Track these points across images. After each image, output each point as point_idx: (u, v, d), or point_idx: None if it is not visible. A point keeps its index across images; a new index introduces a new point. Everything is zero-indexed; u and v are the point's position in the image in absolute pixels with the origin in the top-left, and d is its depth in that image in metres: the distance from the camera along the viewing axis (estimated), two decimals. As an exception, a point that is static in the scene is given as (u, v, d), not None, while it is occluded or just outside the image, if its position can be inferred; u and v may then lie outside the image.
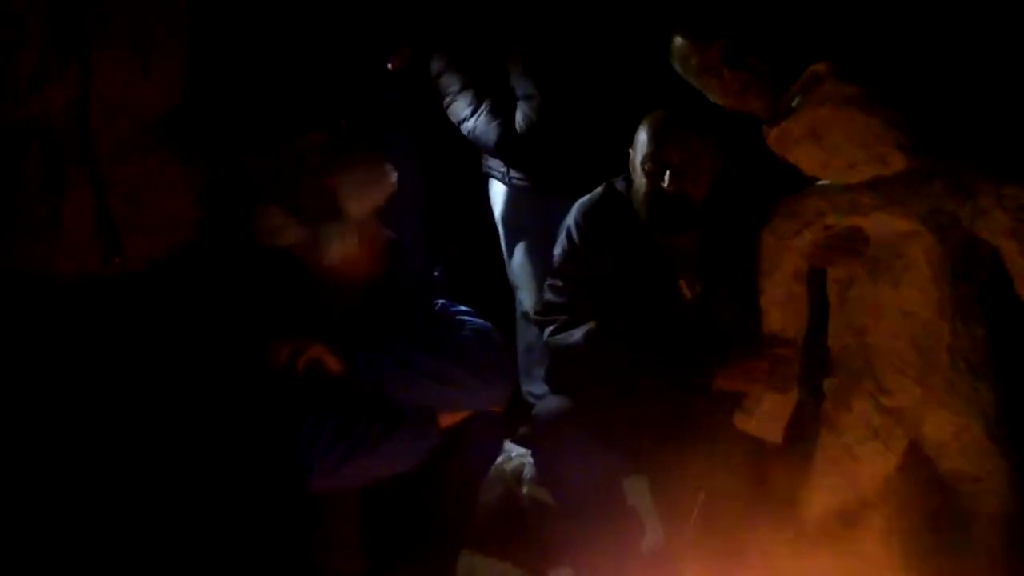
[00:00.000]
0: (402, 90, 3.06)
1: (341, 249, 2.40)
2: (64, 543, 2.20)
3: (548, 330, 2.71)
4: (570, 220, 2.75)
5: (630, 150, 2.67)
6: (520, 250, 3.21)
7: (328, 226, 2.39)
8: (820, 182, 2.47)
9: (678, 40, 2.58)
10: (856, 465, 2.50)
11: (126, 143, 2.26)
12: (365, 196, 2.42)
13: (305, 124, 2.54)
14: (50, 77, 2.19)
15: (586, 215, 2.73)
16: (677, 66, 2.60)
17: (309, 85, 2.74)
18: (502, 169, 3.18)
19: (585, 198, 2.76)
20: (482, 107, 3.12)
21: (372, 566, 2.44)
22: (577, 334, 2.64)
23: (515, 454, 3.02)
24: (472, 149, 3.25)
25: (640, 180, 2.63)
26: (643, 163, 2.61)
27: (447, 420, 2.46)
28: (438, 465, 2.46)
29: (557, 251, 2.76)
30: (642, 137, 2.63)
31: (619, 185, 2.73)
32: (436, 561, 2.54)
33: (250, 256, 2.40)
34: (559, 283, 2.72)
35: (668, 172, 2.57)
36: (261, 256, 2.40)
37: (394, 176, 2.45)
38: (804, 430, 2.57)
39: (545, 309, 2.74)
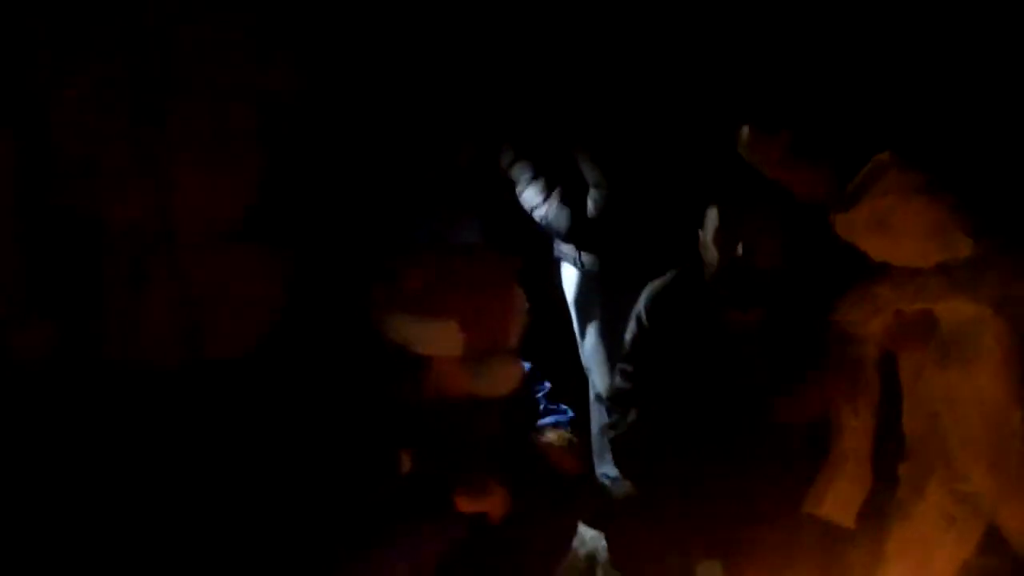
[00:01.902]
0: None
1: (503, 385, 2.37)
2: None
3: (616, 419, 2.74)
4: (640, 306, 2.79)
5: (699, 231, 2.72)
6: (591, 333, 3.25)
7: (493, 357, 2.35)
8: (889, 267, 2.48)
9: (744, 131, 2.63)
10: (930, 553, 2.48)
11: (207, 238, 2.33)
12: (519, 326, 2.41)
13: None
14: (131, 179, 2.27)
15: (655, 300, 2.77)
16: (744, 155, 2.65)
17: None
18: (574, 254, 3.23)
19: (656, 282, 2.80)
20: (553, 194, 3.18)
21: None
22: (633, 414, 2.67)
23: (589, 537, 3.01)
24: (544, 236, 3.30)
25: (712, 255, 2.66)
26: (715, 238, 2.64)
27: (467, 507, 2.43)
28: (515, 548, 2.49)
29: (628, 336, 2.79)
30: (712, 214, 2.67)
31: (689, 269, 2.77)
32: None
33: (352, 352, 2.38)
34: (629, 368, 2.75)
35: (740, 244, 2.61)
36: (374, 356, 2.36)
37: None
38: (878, 517, 2.55)
39: (616, 395, 2.77)
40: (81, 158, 2.27)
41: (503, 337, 2.36)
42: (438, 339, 2.32)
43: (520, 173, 3.25)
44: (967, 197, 2.38)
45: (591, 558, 2.97)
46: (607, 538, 2.80)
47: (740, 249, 2.61)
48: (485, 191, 3.22)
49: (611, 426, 2.77)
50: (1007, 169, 2.48)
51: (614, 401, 2.78)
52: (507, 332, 2.37)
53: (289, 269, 2.48)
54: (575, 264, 3.25)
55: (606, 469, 3.16)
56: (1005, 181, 2.45)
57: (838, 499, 2.54)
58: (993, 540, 2.50)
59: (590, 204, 3.14)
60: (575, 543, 2.94)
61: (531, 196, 3.22)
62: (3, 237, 2.28)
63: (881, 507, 2.55)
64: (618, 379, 2.77)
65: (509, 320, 2.38)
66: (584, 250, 3.21)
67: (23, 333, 2.30)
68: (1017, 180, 2.47)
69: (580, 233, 3.17)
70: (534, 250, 3.34)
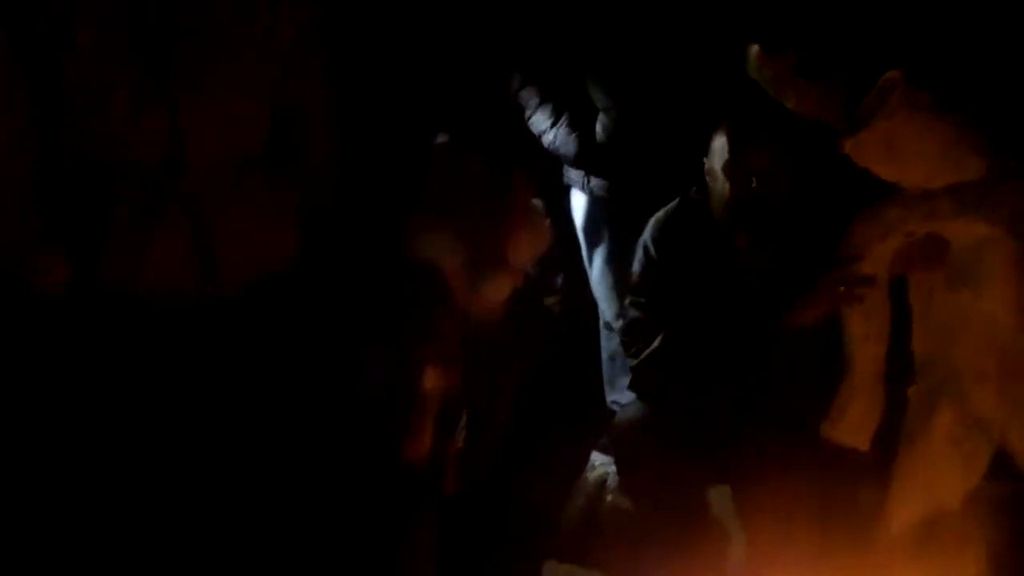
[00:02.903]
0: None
1: (494, 296, 2.39)
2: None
3: (632, 348, 2.72)
4: (646, 236, 2.76)
5: (705, 159, 2.68)
6: (599, 260, 3.23)
7: (487, 269, 2.37)
8: (899, 189, 2.45)
9: (753, 51, 2.58)
10: (938, 476, 2.47)
11: (221, 172, 2.31)
12: (529, 250, 2.43)
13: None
14: (141, 118, 2.26)
15: (662, 229, 2.74)
16: (753, 75, 2.60)
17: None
18: (582, 180, 3.21)
19: (660, 213, 2.77)
20: (561, 119, 3.15)
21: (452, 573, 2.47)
22: (656, 342, 2.65)
23: (598, 463, 3.04)
24: (554, 162, 3.27)
25: (722, 186, 2.62)
26: (724, 168, 2.61)
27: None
28: (523, 476, 2.52)
29: (636, 267, 2.77)
30: (720, 143, 2.63)
31: (694, 195, 2.74)
32: (518, 567, 2.59)
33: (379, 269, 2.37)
34: (640, 299, 2.73)
35: (753, 175, 2.57)
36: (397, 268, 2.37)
37: (552, 232, 2.47)
38: (888, 440, 2.55)
39: (629, 327, 2.75)
40: (92, 91, 2.26)
41: (504, 251, 2.37)
42: (436, 242, 2.33)
43: (528, 98, 3.22)
44: (979, 116, 2.35)
45: (601, 483, 2.99)
46: (617, 464, 2.80)
47: (754, 181, 2.57)
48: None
49: (630, 354, 2.76)
50: (1020, 87, 2.42)
51: (628, 332, 2.76)
52: (508, 247, 2.37)
53: (306, 200, 2.43)
54: (583, 190, 3.23)
55: (616, 396, 3.18)
56: (1018, 99, 2.40)
57: (852, 423, 2.53)
58: (1002, 466, 2.48)
59: (599, 128, 3.11)
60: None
61: (539, 121, 3.19)
62: (16, 173, 2.28)
63: (890, 430, 2.54)
64: (631, 310, 2.75)
65: (512, 236, 2.37)
66: (592, 175, 3.19)
67: (38, 265, 2.31)
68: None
69: (589, 158, 3.14)
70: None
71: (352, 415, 2.29)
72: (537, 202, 2.49)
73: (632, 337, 2.74)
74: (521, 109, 3.23)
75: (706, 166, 2.68)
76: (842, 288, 2.48)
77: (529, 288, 2.51)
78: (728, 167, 2.60)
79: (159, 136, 2.28)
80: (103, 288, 2.33)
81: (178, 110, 2.27)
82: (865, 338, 2.52)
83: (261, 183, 2.37)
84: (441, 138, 2.54)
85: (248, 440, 2.29)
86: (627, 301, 2.78)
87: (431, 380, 2.35)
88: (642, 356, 2.69)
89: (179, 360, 2.31)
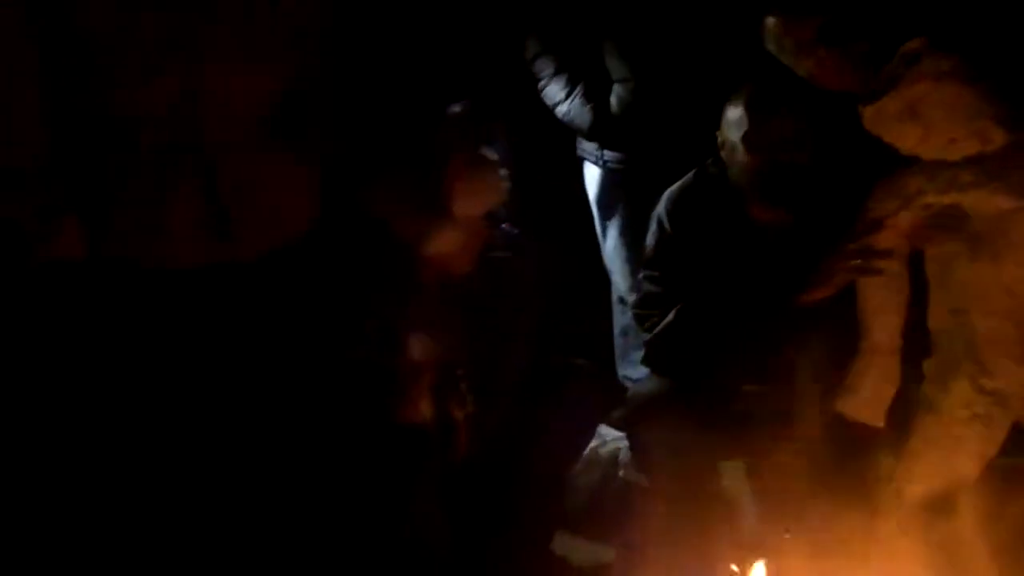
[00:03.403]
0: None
1: (441, 244, 2.41)
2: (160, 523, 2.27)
3: (647, 323, 2.71)
4: (660, 209, 2.74)
5: (718, 132, 2.65)
6: (613, 233, 3.22)
7: (433, 221, 2.40)
8: (918, 160, 2.41)
9: (771, 20, 2.54)
10: (955, 448, 2.45)
11: (236, 135, 2.31)
12: (475, 201, 2.43)
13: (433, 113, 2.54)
14: (159, 70, 2.25)
15: (676, 202, 2.72)
16: (771, 46, 2.57)
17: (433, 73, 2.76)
18: (596, 152, 3.19)
19: (674, 186, 2.75)
20: (576, 90, 3.13)
21: (461, 544, 2.47)
22: (671, 315, 2.64)
23: (611, 438, 3.03)
24: (568, 133, 3.25)
25: (742, 157, 2.59)
26: (745, 139, 2.57)
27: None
28: (531, 445, 2.50)
29: (650, 241, 2.75)
30: (737, 114, 2.60)
31: (709, 168, 2.71)
32: (529, 540, 2.57)
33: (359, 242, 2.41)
34: (655, 273, 2.71)
35: (776, 144, 2.55)
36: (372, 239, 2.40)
37: (506, 185, 2.46)
38: (904, 414, 2.52)
39: (643, 301, 2.74)
40: (106, 47, 2.25)
41: (448, 204, 2.38)
42: (390, 204, 2.37)
43: (543, 67, 3.20)
44: (1001, 84, 2.31)
45: (612, 459, 2.98)
46: (629, 438, 2.79)
47: (780, 149, 2.54)
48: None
49: (644, 328, 2.74)
50: None
51: (642, 304, 2.75)
52: (452, 199, 2.38)
53: (322, 170, 2.45)
54: (597, 162, 3.21)
55: (627, 371, 3.17)
56: None
57: (867, 398, 2.51)
58: (1019, 439, 2.47)
59: (614, 100, 3.09)
60: (595, 444, 3.00)
61: (554, 91, 3.17)
62: (31, 136, 2.27)
63: (907, 404, 2.52)
64: (645, 284, 2.74)
65: (454, 188, 2.39)
66: (607, 148, 3.17)
67: (54, 230, 2.30)
68: None
69: (603, 130, 3.12)
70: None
71: (346, 383, 2.31)
72: (489, 154, 2.48)
73: (646, 311, 2.72)
74: (535, 79, 3.21)
75: (720, 139, 2.65)
76: (859, 260, 2.46)
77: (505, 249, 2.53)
78: (749, 138, 2.57)
79: (173, 98, 2.27)
80: (119, 253, 2.33)
81: (191, 72, 2.26)
82: (881, 311, 2.49)
83: (275, 150, 2.36)
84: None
85: (255, 406, 2.30)
86: (641, 275, 2.77)
87: (418, 348, 2.37)
88: (656, 330, 2.67)
89: (193, 325, 2.33)
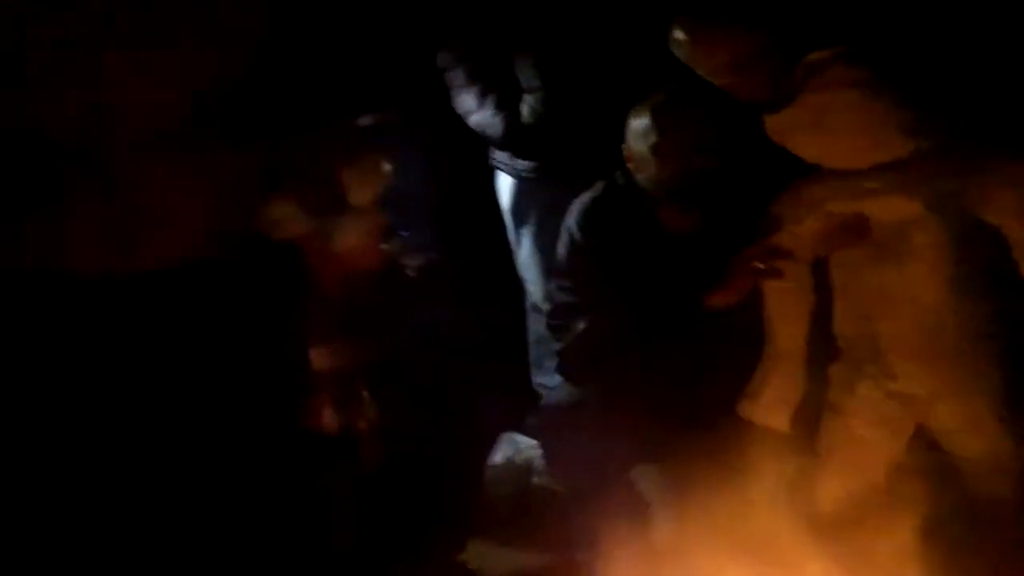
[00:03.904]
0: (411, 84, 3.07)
1: (348, 239, 2.43)
2: (66, 543, 2.21)
3: (560, 333, 2.71)
4: (571, 221, 2.74)
5: (623, 146, 2.66)
6: (527, 242, 3.22)
7: (335, 216, 2.41)
8: (822, 168, 2.44)
9: (682, 30, 2.53)
10: (863, 452, 2.48)
11: (137, 147, 2.24)
12: (366, 186, 2.46)
13: (313, 118, 2.51)
14: (57, 80, 2.19)
15: (585, 214, 2.73)
16: (677, 53, 2.57)
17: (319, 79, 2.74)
18: (509, 161, 3.18)
19: (584, 196, 2.76)
20: (488, 99, 3.12)
21: (372, 552, 2.47)
22: (582, 324, 2.64)
23: (525, 446, 3.02)
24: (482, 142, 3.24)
25: (650, 165, 2.60)
26: (656, 148, 2.58)
27: None
28: (440, 452, 2.51)
29: (561, 252, 2.76)
30: (643, 124, 2.61)
31: (618, 179, 2.72)
32: (441, 546, 2.59)
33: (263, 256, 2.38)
34: (567, 283, 2.72)
35: (690, 150, 2.57)
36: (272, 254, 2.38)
37: (389, 166, 2.49)
38: (813, 419, 2.55)
39: (555, 311, 2.74)
40: (7, 54, 2.19)
41: (342, 195, 2.41)
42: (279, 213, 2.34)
43: (456, 77, 3.18)
44: (907, 94, 2.34)
45: (528, 466, 2.98)
46: (543, 446, 2.79)
47: (690, 159, 2.56)
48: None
49: (556, 338, 2.75)
50: (946, 66, 2.42)
51: (555, 315, 2.75)
52: (345, 189, 2.41)
53: (232, 176, 2.37)
54: (510, 171, 3.21)
55: (542, 378, 3.16)
56: (945, 77, 2.40)
57: (772, 403, 2.53)
58: (923, 440, 2.50)
59: (525, 110, 3.08)
60: (510, 452, 3.02)
61: (466, 101, 3.16)
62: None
63: (814, 409, 2.55)
64: (557, 294, 2.74)
65: (343, 177, 2.41)
66: (519, 157, 3.16)
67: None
68: (956, 77, 2.42)
69: (515, 140, 3.12)
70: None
71: (245, 393, 2.28)
72: (363, 137, 2.54)
73: (559, 321, 2.73)
74: (448, 88, 3.19)
75: (625, 151, 2.66)
76: (761, 263, 2.47)
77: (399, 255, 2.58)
78: (660, 147, 2.59)
79: (72, 109, 2.22)
80: (19, 263, 2.27)
81: (91, 84, 2.21)
82: (786, 317, 2.52)
83: (177, 162, 2.30)
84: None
85: (156, 414, 2.25)
86: (553, 285, 2.77)
87: (319, 358, 2.37)
88: (569, 340, 2.67)
89: (101, 336, 2.27)
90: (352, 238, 2.44)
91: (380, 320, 2.52)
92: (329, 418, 2.42)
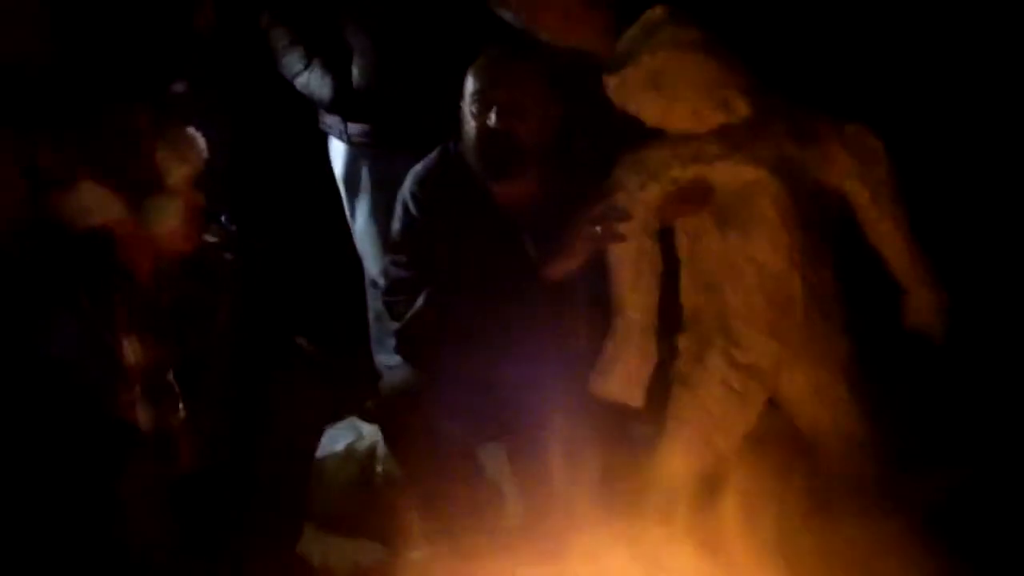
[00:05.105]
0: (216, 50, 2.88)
1: (166, 221, 2.30)
2: None
3: (396, 311, 2.58)
4: (405, 191, 2.61)
5: (461, 103, 2.53)
6: (363, 213, 3.07)
7: (151, 198, 2.29)
8: (663, 132, 2.37)
9: None
10: (711, 423, 2.43)
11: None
12: (181, 163, 2.33)
13: (115, 94, 2.39)
14: None
15: (421, 183, 2.60)
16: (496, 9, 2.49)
17: (112, 53, 2.56)
18: (340, 126, 3.02)
19: (418, 166, 2.63)
20: (315, 60, 2.95)
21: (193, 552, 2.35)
22: (420, 301, 2.52)
23: (366, 431, 2.91)
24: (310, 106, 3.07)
25: (469, 125, 2.49)
26: (470, 105, 2.48)
27: None
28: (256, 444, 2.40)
29: (396, 224, 2.63)
30: (468, 81, 2.50)
31: (452, 146, 2.59)
32: (277, 541, 2.47)
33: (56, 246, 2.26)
34: (402, 258, 2.59)
35: (495, 110, 2.44)
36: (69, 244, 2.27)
37: (204, 142, 2.36)
38: (662, 391, 2.48)
39: (391, 287, 2.61)
40: None
41: (156, 174, 2.31)
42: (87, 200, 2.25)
43: (279, 37, 2.99)
44: (744, 54, 2.29)
45: (370, 453, 2.86)
46: (383, 431, 2.66)
47: (494, 117, 2.44)
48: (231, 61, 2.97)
49: (393, 317, 2.61)
50: (785, 24, 2.41)
51: (390, 291, 2.62)
52: (158, 168, 2.31)
53: (26, 163, 2.29)
54: (341, 137, 3.04)
55: (385, 357, 3.01)
56: (783, 37, 2.39)
57: (623, 377, 2.45)
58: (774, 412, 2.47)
59: (355, 71, 2.92)
60: (352, 439, 2.90)
61: (291, 63, 2.98)
62: None
63: (664, 381, 2.48)
64: (392, 269, 2.61)
65: (155, 155, 2.31)
66: (350, 120, 3.00)
67: None
68: (796, 35, 2.41)
69: (345, 102, 2.95)
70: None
71: (48, 388, 2.20)
72: (171, 110, 2.43)
73: (395, 298, 2.59)
74: (271, 50, 3.00)
75: (461, 111, 2.53)
76: (598, 228, 2.38)
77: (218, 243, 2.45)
78: (473, 103, 2.47)
79: None
80: None
81: None
82: (634, 288, 2.44)
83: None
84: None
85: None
86: (388, 260, 2.64)
87: (130, 353, 2.27)
88: (406, 318, 2.55)
89: None
90: (168, 221, 2.31)
91: (196, 309, 2.38)
92: (141, 415, 2.28)
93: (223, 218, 2.52)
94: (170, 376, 2.32)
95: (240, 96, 2.95)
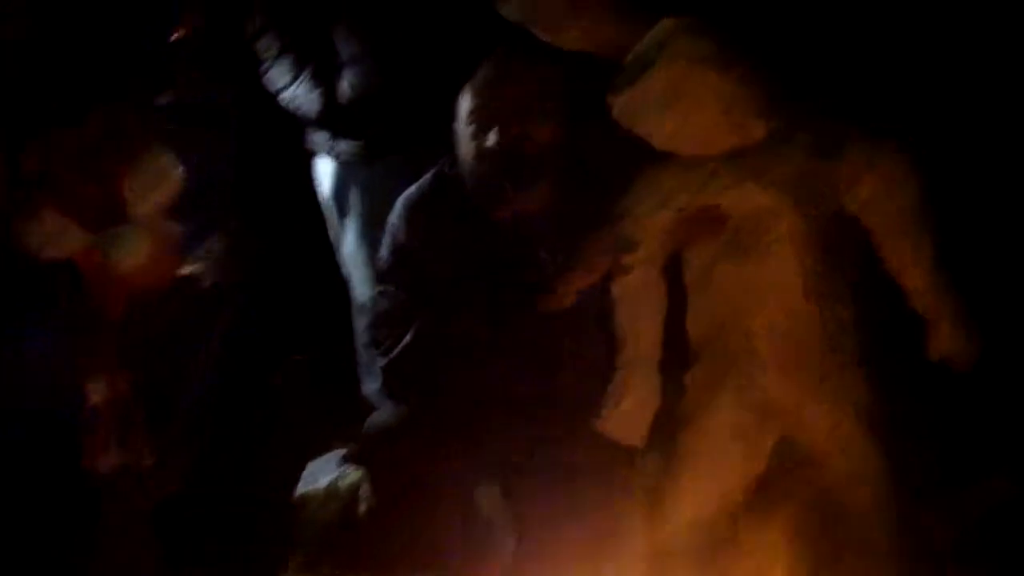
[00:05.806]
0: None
1: (131, 255, 2.21)
2: None
3: (383, 345, 2.48)
4: (394, 217, 2.52)
5: (455, 125, 2.44)
6: (351, 235, 2.97)
7: (114, 229, 2.21)
8: (673, 156, 2.24)
9: None
10: (720, 464, 2.29)
11: None
12: (152, 191, 2.23)
13: (81, 109, 2.29)
14: None
15: (412, 209, 2.50)
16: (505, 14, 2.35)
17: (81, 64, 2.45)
18: (328, 143, 2.93)
19: (410, 190, 2.53)
20: (304, 73, 2.86)
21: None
22: (409, 335, 2.42)
23: (351, 470, 2.77)
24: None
25: (467, 147, 2.40)
26: (468, 123, 2.38)
27: None
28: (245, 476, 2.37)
29: (383, 253, 2.53)
30: (465, 97, 2.41)
31: (448, 168, 2.49)
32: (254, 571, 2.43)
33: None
34: (390, 288, 2.49)
35: (497, 126, 2.35)
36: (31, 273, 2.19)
37: (180, 169, 2.25)
38: (667, 431, 2.35)
39: (376, 320, 2.52)
40: None
41: (123, 205, 2.22)
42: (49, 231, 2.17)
43: (265, 48, 2.90)
44: (764, 69, 2.17)
45: (353, 491, 2.72)
46: (368, 472, 2.57)
47: (491, 137, 2.35)
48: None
49: (380, 352, 2.52)
50: (799, 40, 2.27)
51: (377, 324, 2.52)
52: (126, 199, 2.22)
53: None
54: (330, 154, 2.95)
55: (373, 387, 2.87)
56: (796, 53, 2.25)
57: (627, 415, 2.33)
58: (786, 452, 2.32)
59: (344, 84, 2.84)
60: (336, 476, 2.79)
61: (277, 76, 2.89)
62: None
63: (669, 421, 2.36)
64: (379, 301, 2.52)
65: (124, 184, 2.22)
66: (340, 137, 2.91)
67: None
68: (810, 51, 2.27)
69: (335, 118, 2.86)
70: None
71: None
72: (142, 130, 2.31)
73: (381, 332, 2.49)
74: (258, 61, 2.92)
75: (455, 133, 2.44)
76: (603, 259, 2.28)
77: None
78: (471, 119, 2.38)
79: None
80: None
81: None
82: (639, 321, 2.31)
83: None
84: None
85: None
86: (375, 291, 2.55)
87: (97, 391, 2.20)
88: (393, 354, 2.44)
89: None
90: (136, 255, 2.22)
91: (167, 343, 2.29)
92: (107, 457, 2.21)
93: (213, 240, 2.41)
94: (139, 414, 2.23)
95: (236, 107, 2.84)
